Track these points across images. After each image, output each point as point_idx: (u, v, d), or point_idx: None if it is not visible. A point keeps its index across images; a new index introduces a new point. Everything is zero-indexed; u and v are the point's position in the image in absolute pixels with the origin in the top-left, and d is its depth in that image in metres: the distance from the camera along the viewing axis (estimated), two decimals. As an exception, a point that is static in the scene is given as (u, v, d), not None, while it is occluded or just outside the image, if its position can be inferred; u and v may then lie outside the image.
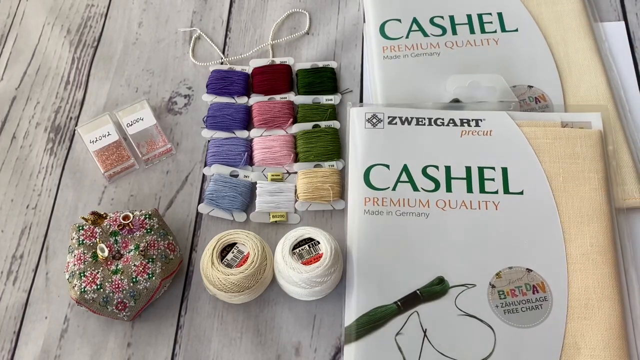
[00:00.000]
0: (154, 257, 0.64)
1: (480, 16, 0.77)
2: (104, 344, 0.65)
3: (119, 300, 0.63)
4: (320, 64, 0.80)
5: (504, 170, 0.66)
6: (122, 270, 0.64)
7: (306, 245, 0.63)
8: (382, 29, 0.80)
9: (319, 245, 0.63)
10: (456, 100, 0.69)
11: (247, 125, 0.77)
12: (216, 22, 0.85)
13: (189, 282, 0.68)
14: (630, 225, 0.66)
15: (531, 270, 0.62)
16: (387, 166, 0.68)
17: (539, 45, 0.75)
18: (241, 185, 0.72)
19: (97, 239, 0.66)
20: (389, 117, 0.70)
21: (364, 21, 0.83)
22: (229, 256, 0.64)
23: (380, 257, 0.64)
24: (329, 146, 0.74)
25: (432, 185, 0.66)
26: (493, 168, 0.67)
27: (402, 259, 0.63)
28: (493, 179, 0.66)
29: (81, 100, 0.80)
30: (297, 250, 0.63)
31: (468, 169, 0.67)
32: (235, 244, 0.65)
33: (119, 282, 0.63)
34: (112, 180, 0.74)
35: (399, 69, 0.76)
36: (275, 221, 0.70)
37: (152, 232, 0.66)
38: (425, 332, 0.59)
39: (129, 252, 0.65)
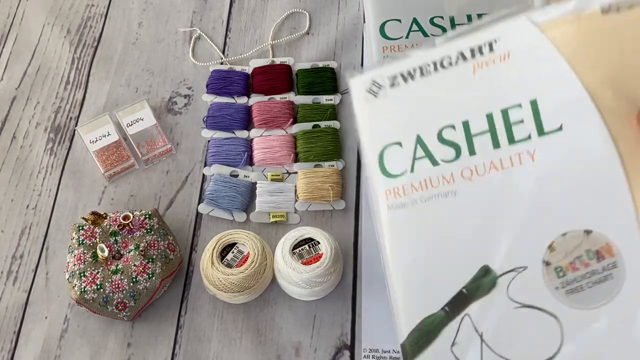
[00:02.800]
0: (154, 257, 0.64)
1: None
2: (104, 344, 0.65)
3: (119, 300, 0.63)
4: (321, 64, 0.80)
5: (534, 105, 0.51)
6: (122, 270, 0.64)
7: (306, 245, 0.63)
8: (382, 29, 0.79)
9: (318, 245, 0.63)
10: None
11: (247, 125, 0.77)
12: (216, 22, 0.85)
13: (189, 282, 0.68)
14: None
15: (591, 231, 0.48)
16: (400, 144, 0.56)
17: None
18: (241, 185, 0.72)
19: (97, 239, 0.66)
20: (389, 79, 0.57)
21: (364, 21, 0.83)
22: (229, 256, 0.64)
23: (416, 258, 0.54)
24: (329, 146, 0.74)
25: (452, 153, 0.54)
26: (519, 105, 0.51)
27: (438, 255, 0.53)
28: (522, 121, 0.51)
29: (81, 100, 0.80)
30: (297, 250, 0.63)
31: (490, 118, 0.53)
32: (235, 244, 0.65)
33: (119, 282, 0.63)
34: (112, 180, 0.74)
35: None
36: (275, 221, 0.70)
37: (152, 232, 0.66)
38: (481, 336, 0.50)
39: (129, 252, 0.65)
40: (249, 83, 0.80)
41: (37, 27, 0.87)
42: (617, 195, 0.48)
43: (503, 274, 0.50)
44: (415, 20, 0.79)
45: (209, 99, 0.79)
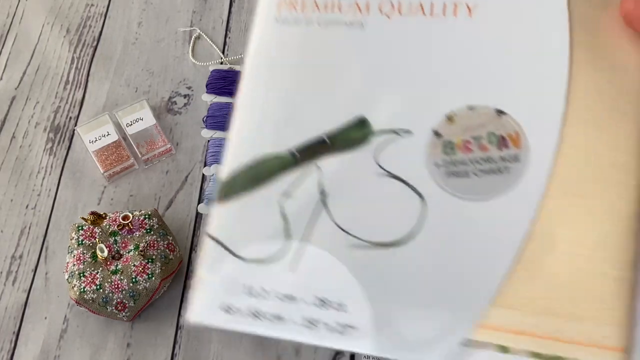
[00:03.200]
0: (154, 257, 0.64)
1: None
2: (104, 344, 0.65)
3: (119, 300, 0.63)
4: (320, 64, 0.80)
5: None
6: (121, 270, 0.63)
7: (306, 246, 0.63)
8: None
9: (319, 245, 0.63)
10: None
11: (247, 125, 0.77)
12: (216, 22, 0.85)
13: (188, 283, 0.68)
14: None
15: (504, 113, 0.40)
16: None
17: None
18: (241, 186, 0.72)
19: (97, 239, 0.65)
20: None
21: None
22: (229, 256, 0.64)
23: (285, 86, 0.43)
24: (329, 146, 0.73)
25: None
26: None
27: (314, 91, 0.43)
28: None
29: (81, 100, 0.80)
30: (297, 250, 0.63)
31: None
32: (235, 244, 0.64)
33: (119, 282, 0.63)
34: (111, 180, 0.74)
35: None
36: (275, 221, 0.70)
37: (152, 232, 0.66)
38: (324, 196, 0.40)
39: (128, 252, 0.65)
40: (249, 83, 0.80)
41: (36, 27, 0.86)
42: (552, 83, 0.40)
43: (381, 132, 0.40)
44: None
45: (209, 98, 0.79)
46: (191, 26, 0.85)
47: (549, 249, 0.38)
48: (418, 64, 0.42)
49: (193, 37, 0.84)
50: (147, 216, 0.66)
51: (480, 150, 0.39)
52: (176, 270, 0.66)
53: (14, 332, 0.66)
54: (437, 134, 0.39)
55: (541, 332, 0.38)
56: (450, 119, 0.40)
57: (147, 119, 0.76)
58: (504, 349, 0.38)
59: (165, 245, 0.66)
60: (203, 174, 0.74)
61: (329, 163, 0.40)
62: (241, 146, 0.42)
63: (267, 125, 0.42)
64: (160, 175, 0.75)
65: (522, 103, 0.40)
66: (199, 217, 0.71)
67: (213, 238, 0.41)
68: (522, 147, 0.39)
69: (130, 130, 0.75)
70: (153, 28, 0.85)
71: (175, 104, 0.79)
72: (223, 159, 0.42)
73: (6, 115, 0.80)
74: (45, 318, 0.67)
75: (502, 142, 0.39)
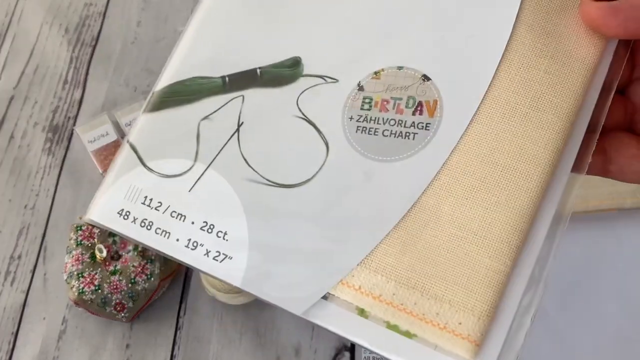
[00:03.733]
0: (153, 257, 0.64)
1: None
2: (103, 345, 0.65)
3: (118, 301, 0.62)
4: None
5: None
6: (120, 270, 0.63)
7: (306, 246, 0.63)
8: None
9: (318, 245, 0.63)
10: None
11: (247, 125, 0.77)
12: (215, 21, 0.85)
13: (188, 283, 0.68)
14: None
15: (429, 79, 0.39)
16: None
17: None
18: (240, 186, 0.71)
19: (96, 240, 0.65)
20: None
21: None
22: (229, 257, 0.64)
23: (234, 19, 0.44)
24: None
25: None
26: None
27: (258, 29, 0.43)
28: None
29: (79, 100, 0.80)
30: (296, 250, 0.63)
31: None
32: (234, 244, 0.64)
33: (118, 282, 0.63)
34: (110, 180, 0.74)
35: None
36: (275, 221, 0.70)
37: (151, 233, 0.65)
38: (239, 125, 0.41)
39: (127, 253, 0.65)
40: (248, 82, 0.80)
41: (35, 26, 0.86)
42: (483, 65, 0.39)
43: (310, 75, 0.41)
44: None
45: (208, 98, 0.78)
46: (190, 25, 0.85)
47: (430, 223, 0.37)
48: (358, 16, 0.41)
49: (192, 36, 0.84)
50: (146, 216, 0.66)
51: (395, 113, 0.39)
52: (175, 271, 0.66)
53: (12, 333, 0.66)
54: (360, 87, 0.40)
55: (398, 304, 0.37)
56: (377, 74, 0.40)
57: (146, 119, 0.75)
58: (362, 312, 0.37)
59: (165, 246, 0.65)
60: (202, 174, 0.74)
61: (254, 94, 0.41)
62: (180, 64, 0.43)
63: (208, 50, 0.43)
64: (159, 175, 0.74)
65: (449, 75, 0.39)
66: (198, 217, 0.71)
67: (130, 145, 0.42)
68: (436, 116, 0.38)
69: (129, 130, 0.75)
70: (152, 27, 0.85)
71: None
72: (163, 72, 0.44)
73: (4, 115, 0.79)
74: (44, 319, 0.67)
75: (418, 107, 0.39)
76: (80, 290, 0.62)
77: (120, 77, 0.81)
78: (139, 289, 0.63)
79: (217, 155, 0.40)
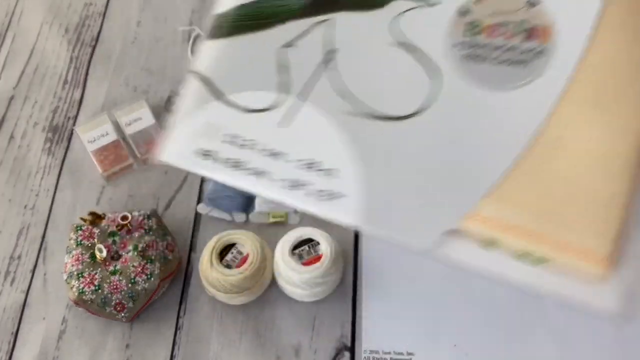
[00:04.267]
0: (153, 257, 0.64)
1: None
2: (103, 345, 0.65)
3: (118, 301, 0.62)
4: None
5: None
6: (120, 270, 0.63)
7: (306, 246, 0.63)
8: None
9: (318, 246, 0.63)
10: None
11: (247, 125, 0.77)
12: (215, 21, 0.85)
13: (187, 283, 0.68)
14: None
15: (538, 3, 0.38)
16: None
17: None
18: (240, 186, 0.71)
19: (96, 240, 0.65)
20: None
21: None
22: (229, 257, 0.64)
23: None
24: (329, 146, 0.73)
25: None
26: None
27: None
28: None
29: (79, 100, 0.80)
30: (296, 251, 0.63)
31: None
32: (234, 244, 0.64)
33: (118, 282, 0.62)
34: (110, 181, 0.74)
35: None
36: (275, 222, 0.70)
37: (151, 233, 0.65)
38: (330, 54, 0.37)
39: (127, 253, 0.64)
40: (248, 82, 0.80)
41: (35, 26, 0.86)
42: None
43: None
44: None
45: (208, 98, 0.78)
46: (190, 25, 0.85)
47: (555, 151, 0.37)
48: None
49: (192, 36, 0.84)
50: (146, 216, 0.66)
51: (504, 38, 0.37)
52: (175, 271, 0.66)
53: (12, 333, 0.66)
54: (463, 12, 0.37)
55: (531, 230, 0.37)
56: None
57: (146, 119, 0.75)
58: (489, 243, 0.37)
59: (164, 246, 0.65)
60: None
61: (345, 18, 0.37)
62: None
63: None
64: (159, 175, 0.74)
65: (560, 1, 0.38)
66: (198, 217, 0.71)
67: (200, 76, 0.38)
68: (549, 43, 0.37)
69: (129, 130, 0.75)
70: (152, 27, 0.85)
71: (175, 103, 0.79)
72: None
73: (4, 115, 0.79)
74: (44, 319, 0.67)
75: (530, 33, 0.37)
76: (80, 290, 0.62)
77: (120, 77, 0.81)
78: (139, 289, 0.63)
79: (309, 87, 0.37)
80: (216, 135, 0.37)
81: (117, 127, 0.76)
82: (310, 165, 0.36)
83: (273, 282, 0.66)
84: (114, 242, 0.65)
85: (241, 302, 0.65)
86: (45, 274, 0.69)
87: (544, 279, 0.36)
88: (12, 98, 0.81)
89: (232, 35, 0.39)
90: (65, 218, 0.72)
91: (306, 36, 0.38)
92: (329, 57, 0.37)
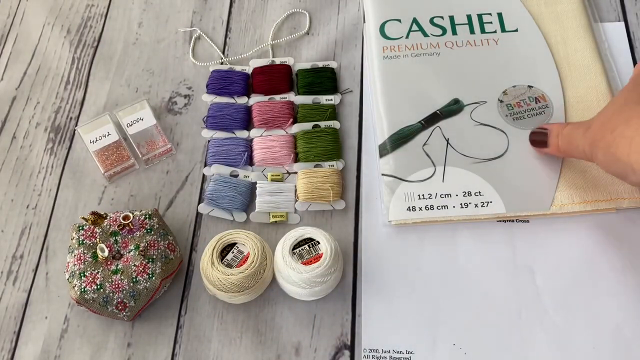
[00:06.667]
0: (154, 257, 0.64)
1: (480, 16, 0.80)
2: (104, 344, 0.65)
3: (119, 300, 0.63)
4: (321, 64, 0.80)
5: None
6: (122, 270, 0.64)
7: (306, 245, 0.63)
8: (382, 28, 0.80)
9: (319, 245, 0.63)
10: (455, 102, 0.74)
11: (247, 125, 0.77)
12: (216, 22, 0.85)
13: (189, 282, 0.68)
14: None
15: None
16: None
17: (538, 45, 0.78)
18: (241, 185, 0.72)
19: (97, 239, 0.66)
20: None
21: (364, 21, 0.83)
22: (229, 256, 0.64)
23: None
24: (329, 146, 0.74)
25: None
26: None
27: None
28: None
29: (81, 100, 0.80)
30: (297, 250, 0.63)
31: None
32: (235, 244, 0.65)
33: (119, 282, 0.63)
34: (112, 181, 0.74)
35: (399, 69, 0.76)
36: (275, 221, 0.70)
37: (152, 232, 0.66)
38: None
39: (129, 252, 0.65)
40: (249, 83, 0.80)
41: (37, 27, 0.87)
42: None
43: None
44: (415, 20, 0.80)
45: (209, 99, 0.79)
46: (191, 26, 0.85)
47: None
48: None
49: (193, 37, 0.84)
50: (147, 216, 0.67)
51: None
52: (176, 270, 0.67)
53: (14, 332, 0.66)
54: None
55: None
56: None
57: (148, 119, 0.76)
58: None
59: (166, 245, 0.66)
60: (203, 174, 0.74)
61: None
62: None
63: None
64: (160, 175, 0.75)
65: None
66: (199, 217, 0.72)
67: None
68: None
69: (130, 131, 0.75)
70: (153, 28, 0.86)
71: (176, 104, 0.79)
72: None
73: (7, 115, 0.80)
74: (46, 318, 0.67)
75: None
76: (82, 290, 0.63)
77: (122, 77, 0.82)
78: (141, 288, 0.63)
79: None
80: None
81: (119, 128, 0.76)
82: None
83: (273, 281, 0.66)
84: (116, 241, 0.66)
85: (242, 301, 0.65)
86: (47, 274, 0.69)
87: None
88: (14, 99, 0.81)
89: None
90: (67, 218, 0.72)
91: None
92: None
